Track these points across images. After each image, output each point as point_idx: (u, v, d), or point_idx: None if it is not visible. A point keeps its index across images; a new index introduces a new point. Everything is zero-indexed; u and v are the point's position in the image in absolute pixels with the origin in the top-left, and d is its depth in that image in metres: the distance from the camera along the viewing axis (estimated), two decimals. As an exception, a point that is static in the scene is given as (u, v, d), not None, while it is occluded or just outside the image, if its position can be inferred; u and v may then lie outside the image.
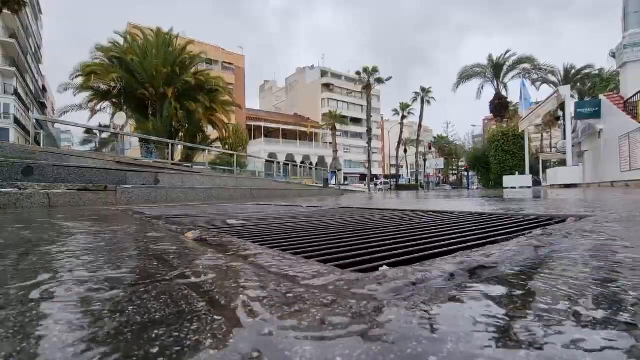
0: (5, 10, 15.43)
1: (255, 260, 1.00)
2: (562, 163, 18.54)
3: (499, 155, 24.62)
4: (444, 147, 60.11)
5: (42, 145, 10.77)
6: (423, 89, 45.15)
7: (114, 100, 18.54)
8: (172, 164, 12.15)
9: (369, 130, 38.97)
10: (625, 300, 0.60)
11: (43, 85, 46.50)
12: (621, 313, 0.53)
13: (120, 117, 18.00)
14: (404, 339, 0.45)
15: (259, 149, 44.24)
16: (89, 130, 16.46)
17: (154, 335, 0.47)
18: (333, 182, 24.94)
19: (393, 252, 1.14)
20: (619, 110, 14.10)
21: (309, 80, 60.27)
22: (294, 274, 0.81)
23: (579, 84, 30.07)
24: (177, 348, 0.43)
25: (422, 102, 45.12)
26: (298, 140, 52.10)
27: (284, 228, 1.93)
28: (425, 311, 0.55)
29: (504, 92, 31.61)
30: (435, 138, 63.03)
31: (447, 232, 1.60)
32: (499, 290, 0.67)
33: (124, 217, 2.92)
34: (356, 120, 58.02)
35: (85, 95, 18.27)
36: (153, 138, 13.76)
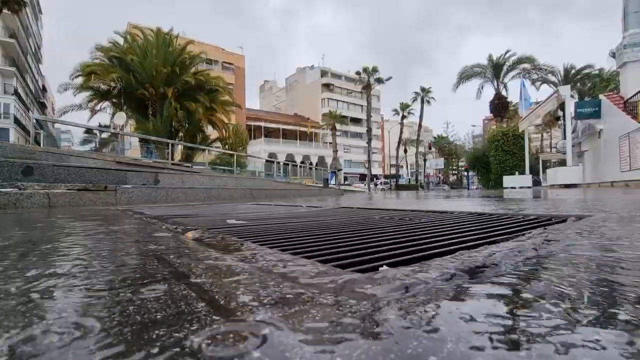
0: (5, 10, 15.44)
1: (255, 260, 1.00)
2: (562, 163, 18.54)
3: (499, 155, 24.62)
4: (444, 147, 60.10)
5: (42, 145, 10.77)
6: (423, 89, 45.16)
7: (114, 100, 18.56)
8: (172, 164, 12.15)
9: (369, 130, 38.97)
10: (625, 300, 0.60)
11: (43, 85, 46.51)
12: (621, 313, 0.53)
13: (120, 117, 18.01)
14: (404, 339, 0.45)
15: (259, 149, 44.25)
16: (89, 130, 16.47)
17: (154, 336, 0.47)
18: (333, 182, 24.93)
19: (393, 252, 1.14)
20: (619, 110, 14.10)
21: (309, 80, 60.28)
22: (293, 274, 0.81)
23: (579, 84, 30.08)
24: (177, 349, 0.43)
25: (422, 102, 45.14)
26: (298, 140, 52.11)
27: (284, 228, 1.93)
28: (426, 311, 0.55)
29: (504, 92, 31.66)
30: (435, 138, 63.01)
31: (447, 232, 1.60)
32: (499, 290, 0.67)
33: (124, 217, 2.92)
34: (356, 120, 58.03)
35: (85, 95, 18.31)
36: (153, 138, 13.76)
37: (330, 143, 45.70)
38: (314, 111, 56.95)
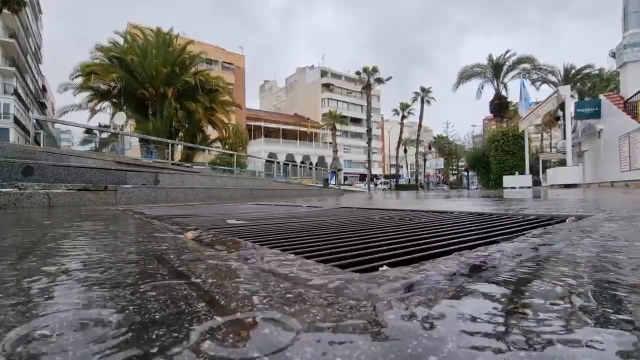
0: (5, 10, 15.44)
1: (255, 260, 1.00)
2: (562, 163, 18.55)
3: (499, 155, 24.62)
4: (444, 147, 60.09)
5: (42, 145, 10.77)
6: (423, 89, 45.16)
7: (113, 100, 18.55)
8: (172, 164, 12.15)
9: (369, 130, 38.97)
10: (625, 300, 0.60)
11: (43, 85, 46.51)
12: (621, 312, 0.53)
13: (120, 117, 18.01)
14: (404, 339, 0.45)
15: (259, 149, 44.25)
16: (89, 130, 16.48)
17: (153, 336, 0.47)
18: (333, 182, 24.93)
19: (393, 252, 1.14)
20: (619, 110, 14.10)
21: (309, 80, 60.28)
22: (293, 274, 0.81)
23: (579, 84, 30.08)
24: (177, 349, 0.43)
25: (422, 102, 45.14)
26: (298, 140, 52.11)
27: (284, 228, 1.93)
28: (425, 311, 0.55)
29: (504, 92, 31.66)
30: (435, 138, 63.01)
31: (447, 232, 1.60)
32: (499, 290, 0.67)
33: (124, 217, 2.92)
34: (356, 120, 58.03)
35: (85, 95, 18.29)
36: (153, 138, 13.76)
37: (330, 143, 45.70)
38: (314, 111, 56.94)
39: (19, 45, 31.17)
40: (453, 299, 0.62)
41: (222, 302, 0.62)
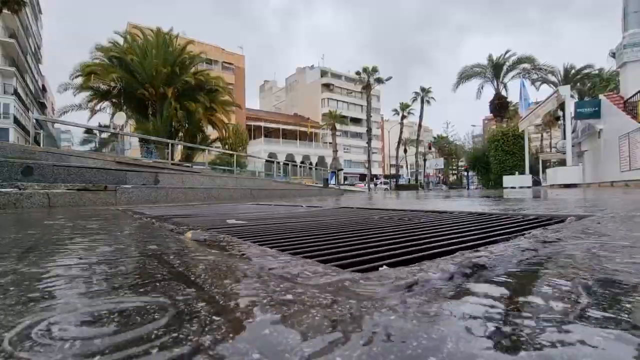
0: (5, 10, 15.44)
1: (254, 260, 1.00)
2: (562, 163, 18.54)
3: (498, 155, 24.62)
4: (443, 147, 60.07)
5: (42, 145, 10.77)
6: (423, 89, 45.15)
7: (113, 100, 18.54)
8: (172, 164, 12.15)
9: (369, 130, 38.97)
10: (625, 300, 0.60)
11: (43, 85, 46.51)
12: (621, 312, 0.53)
13: (120, 117, 18.01)
14: (403, 339, 0.45)
15: (258, 149, 44.24)
16: (89, 130, 16.46)
17: (153, 336, 0.47)
18: (333, 182, 24.92)
19: (393, 252, 1.15)
20: (619, 110, 14.11)
21: (308, 80, 60.28)
22: (293, 274, 0.81)
23: (578, 84, 30.08)
24: (177, 350, 0.43)
25: (422, 102, 45.13)
26: (298, 140, 52.11)
27: (284, 228, 1.93)
28: (425, 311, 0.55)
29: (503, 92, 31.65)
30: (435, 138, 62.98)
31: (446, 232, 1.60)
32: (498, 290, 0.67)
33: (124, 217, 2.92)
34: (356, 120, 58.03)
35: (85, 95, 18.28)
36: (153, 138, 13.76)
37: (330, 143, 45.69)
38: (314, 111, 56.93)
39: (19, 45, 31.17)
40: (453, 299, 0.62)
41: (222, 302, 0.62)
